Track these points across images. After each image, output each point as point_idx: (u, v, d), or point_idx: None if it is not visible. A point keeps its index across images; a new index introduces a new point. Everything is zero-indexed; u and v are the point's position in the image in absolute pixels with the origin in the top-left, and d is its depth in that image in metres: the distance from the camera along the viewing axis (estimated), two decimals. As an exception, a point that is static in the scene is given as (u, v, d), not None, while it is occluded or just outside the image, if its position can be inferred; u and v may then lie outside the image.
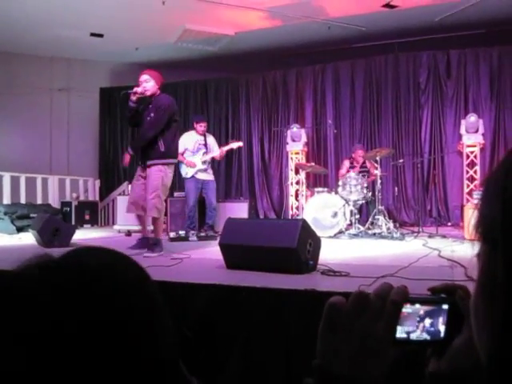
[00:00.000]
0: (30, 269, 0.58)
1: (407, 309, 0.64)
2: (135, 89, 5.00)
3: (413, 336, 0.64)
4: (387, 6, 8.54)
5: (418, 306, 0.65)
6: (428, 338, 0.65)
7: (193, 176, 7.30)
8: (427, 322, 0.65)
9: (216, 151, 7.45)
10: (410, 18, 8.96)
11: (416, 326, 0.64)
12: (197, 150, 7.36)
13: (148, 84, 5.04)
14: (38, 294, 0.54)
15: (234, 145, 7.61)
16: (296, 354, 2.61)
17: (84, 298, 0.54)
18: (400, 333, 0.64)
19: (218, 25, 9.49)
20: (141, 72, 5.25)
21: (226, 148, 7.54)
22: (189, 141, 7.43)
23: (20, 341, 0.51)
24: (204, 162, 7.33)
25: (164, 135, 4.97)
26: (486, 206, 0.48)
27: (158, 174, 4.87)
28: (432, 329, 0.65)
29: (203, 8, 8.61)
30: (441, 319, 0.65)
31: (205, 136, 7.49)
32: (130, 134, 11.46)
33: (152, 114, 4.96)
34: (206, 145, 7.42)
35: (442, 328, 0.65)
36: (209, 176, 7.41)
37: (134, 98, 5.01)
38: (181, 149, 7.35)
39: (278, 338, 2.70)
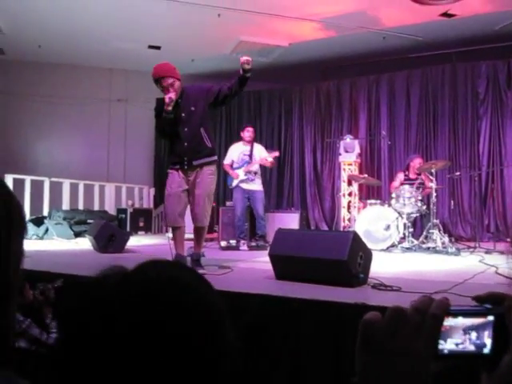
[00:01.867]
0: (108, 279, 0.61)
1: (449, 322, 0.61)
2: (169, 95, 4.44)
3: (456, 350, 0.62)
4: (445, 14, 8.36)
5: (460, 318, 0.62)
6: (473, 350, 0.62)
7: (238, 186, 7.35)
8: (472, 335, 0.62)
9: (258, 161, 7.40)
10: (468, 26, 8.73)
11: (459, 339, 0.62)
12: (241, 162, 7.39)
13: (175, 84, 4.56)
14: (113, 303, 0.57)
15: (271, 155, 7.53)
16: (344, 368, 2.57)
17: (151, 309, 0.56)
18: (442, 347, 0.61)
19: (272, 36, 9.55)
20: (155, 72, 4.78)
21: (262, 159, 7.42)
22: (235, 153, 7.50)
23: (97, 342, 0.54)
24: (247, 173, 7.33)
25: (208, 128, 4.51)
26: None
27: (212, 177, 4.44)
28: (478, 341, 0.62)
29: (258, 20, 8.70)
30: (487, 332, 0.62)
31: (252, 146, 7.49)
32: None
33: (192, 108, 4.45)
34: (250, 155, 7.42)
35: (488, 341, 0.62)
36: (255, 186, 7.39)
37: (170, 109, 4.43)
38: (228, 161, 7.48)
39: (326, 352, 2.67)
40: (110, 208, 10.19)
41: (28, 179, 8.92)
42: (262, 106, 11.03)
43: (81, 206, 9.63)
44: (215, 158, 4.56)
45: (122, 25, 9.03)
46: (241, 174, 7.33)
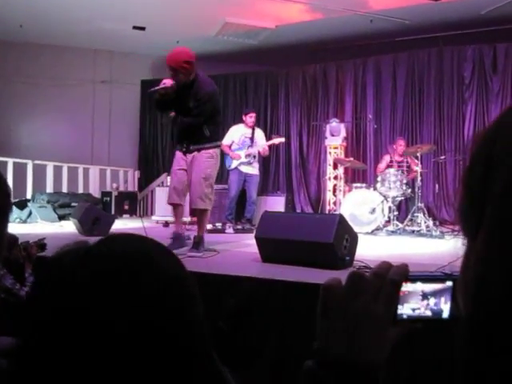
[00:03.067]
0: (67, 255, 0.59)
1: (408, 287, 0.62)
2: (164, 81, 4.64)
3: (413, 314, 0.62)
4: (432, -2, 8.34)
5: (419, 284, 0.62)
6: (430, 315, 0.63)
7: (236, 168, 7.33)
8: (430, 300, 0.63)
9: (260, 146, 7.43)
10: (455, 10, 8.72)
11: (416, 304, 0.62)
12: (242, 144, 7.39)
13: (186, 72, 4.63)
14: (73, 279, 0.55)
15: (276, 140, 7.61)
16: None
17: (117, 284, 0.55)
18: (400, 312, 0.62)
19: (259, 18, 9.46)
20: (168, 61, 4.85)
21: (268, 143, 7.54)
22: (236, 134, 7.48)
23: (56, 320, 0.53)
24: (248, 156, 7.33)
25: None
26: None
27: (209, 160, 4.48)
28: (435, 307, 0.63)
29: (244, 1, 8.61)
30: (443, 298, 0.63)
31: (253, 130, 7.50)
32: (169, 126, 11.59)
33: (199, 98, 4.55)
34: (252, 139, 7.43)
35: (445, 307, 0.63)
36: (253, 170, 7.41)
37: (162, 91, 4.60)
38: (228, 141, 7.44)
39: (312, 333, 2.68)
40: (95, 191, 10.11)
41: (11, 161, 8.79)
42: (248, 89, 10.96)
43: (65, 189, 9.53)
44: (216, 143, 4.63)
45: (106, 5, 8.87)
46: (242, 155, 7.32)
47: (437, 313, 0.63)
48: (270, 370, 2.67)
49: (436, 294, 0.63)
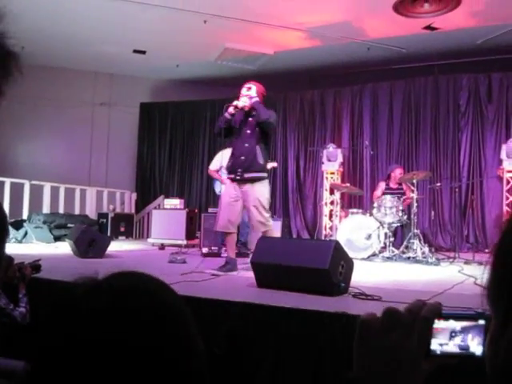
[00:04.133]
0: (80, 287, 0.61)
1: (441, 324, 0.66)
2: (235, 102, 4.95)
3: (444, 350, 0.66)
4: (428, 28, 8.49)
5: (452, 321, 0.66)
6: (457, 351, 0.66)
7: None
8: (456, 337, 0.66)
9: None
10: (451, 40, 8.88)
11: (444, 340, 0.66)
12: None
13: (251, 91, 5.06)
14: (85, 310, 0.57)
15: (269, 165, 7.57)
16: (324, 376, 2.58)
17: (117, 320, 0.57)
18: (435, 348, 0.65)
19: (258, 44, 9.60)
20: (244, 82, 5.29)
21: None
22: (226, 159, 7.49)
23: (67, 347, 0.54)
24: None
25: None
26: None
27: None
28: (462, 343, 0.66)
29: (243, 27, 8.74)
30: (470, 335, 0.66)
31: None
32: (167, 149, 11.66)
33: (257, 129, 4.88)
34: None
35: (471, 343, 0.66)
36: None
37: (232, 110, 4.91)
38: (217, 166, 7.44)
39: (307, 359, 2.67)
40: (91, 212, 10.10)
41: (8, 181, 8.79)
42: (247, 113, 11.03)
43: (61, 210, 9.52)
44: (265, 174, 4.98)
45: (107, 28, 8.99)
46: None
47: (463, 348, 0.66)
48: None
49: (463, 331, 0.66)
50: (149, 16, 8.36)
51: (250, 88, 5.07)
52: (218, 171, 7.41)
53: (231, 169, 4.99)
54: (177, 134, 11.67)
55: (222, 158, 7.46)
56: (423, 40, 8.93)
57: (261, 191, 4.85)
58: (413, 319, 0.65)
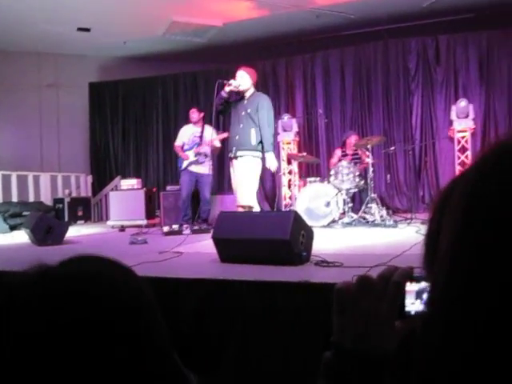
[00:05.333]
0: (27, 276, 0.60)
1: (413, 287, 0.71)
2: (231, 80, 5.42)
3: (413, 310, 0.71)
4: (375, -8, 8.52)
5: (424, 283, 0.71)
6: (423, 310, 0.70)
7: (186, 168, 7.30)
8: (424, 296, 0.71)
9: (207, 142, 7.41)
10: (398, 4, 8.94)
11: (415, 300, 0.71)
12: (192, 143, 7.38)
13: (243, 80, 5.46)
14: (31, 301, 0.56)
15: (220, 136, 7.52)
16: (292, 344, 2.63)
17: (70, 307, 0.56)
18: (409, 309, 0.71)
19: (206, 16, 9.43)
20: (237, 68, 5.71)
21: (212, 140, 7.43)
22: (186, 134, 7.47)
23: (16, 341, 0.54)
24: (198, 155, 7.31)
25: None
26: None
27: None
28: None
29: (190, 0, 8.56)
30: None
31: (202, 128, 7.48)
32: (120, 128, 11.43)
33: (249, 110, 5.37)
34: (201, 137, 7.40)
35: None
36: (203, 169, 7.34)
37: (227, 89, 5.40)
38: (179, 142, 7.45)
39: (274, 330, 2.71)
40: (46, 198, 9.85)
41: (-45, 172, 8.48)
42: (199, 87, 10.91)
43: (15, 198, 9.24)
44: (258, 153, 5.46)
45: (48, 6, 8.63)
46: (191, 155, 7.29)
47: None
48: (233, 372, 2.69)
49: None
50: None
51: (242, 77, 5.50)
52: (182, 147, 7.42)
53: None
54: (129, 112, 11.44)
55: (183, 135, 7.46)
56: (371, 5, 8.96)
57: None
58: (385, 284, 0.70)
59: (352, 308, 0.70)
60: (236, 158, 5.46)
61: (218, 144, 7.42)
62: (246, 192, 5.41)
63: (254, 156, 5.43)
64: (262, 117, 5.39)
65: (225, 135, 7.45)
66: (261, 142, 5.41)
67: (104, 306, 0.58)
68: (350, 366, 0.68)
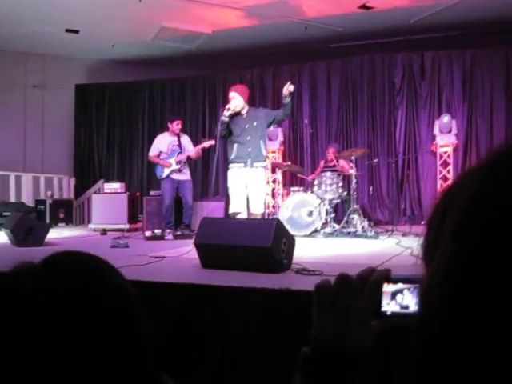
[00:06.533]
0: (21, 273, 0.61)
1: (390, 288, 0.73)
2: (227, 105, 5.66)
3: (389, 310, 0.73)
4: (363, 7, 8.64)
5: (400, 284, 0.73)
6: (399, 311, 0.73)
7: (168, 176, 7.31)
8: (398, 297, 0.73)
9: (191, 151, 7.43)
10: (385, 19, 9.08)
11: (390, 300, 0.73)
12: (171, 153, 7.37)
13: (237, 100, 5.68)
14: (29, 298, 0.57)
15: (207, 143, 7.52)
16: (271, 351, 2.64)
17: (68, 299, 0.58)
18: (385, 309, 0.73)
19: (196, 23, 9.47)
20: (228, 88, 5.99)
21: (199, 147, 7.46)
22: (163, 143, 7.44)
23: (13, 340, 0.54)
24: (178, 163, 7.33)
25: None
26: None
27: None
28: (402, 303, 0.73)
29: (180, 6, 8.59)
30: (411, 295, 0.73)
31: (179, 136, 7.47)
32: (105, 132, 11.38)
33: (255, 123, 5.68)
34: (180, 145, 7.42)
35: (411, 302, 0.73)
36: (184, 176, 7.41)
37: (226, 113, 5.60)
38: (155, 151, 7.44)
39: (253, 336, 2.73)
40: (28, 199, 9.75)
41: None
42: (186, 94, 10.92)
43: (-5, 198, 9.16)
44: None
45: (37, 6, 8.60)
46: (173, 163, 7.30)
47: (404, 307, 0.73)
48: (212, 377, 2.70)
49: (405, 291, 0.73)
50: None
51: (235, 97, 5.69)
52: (158, 156, 7.41)
53: None
54: (115, 115, 11.40)
55: (160, 143, 7.44)
56: (359, 19, 9.08)
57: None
58: (363, 283, 0.72)
59: (331, 305, 0.72)
60: (252, 167, 5.70)
61: (206, 145, 7.43)
62: (261, 201, 5.81)
63: (265, 166, 5.90)
64: (274, 113, 5.94)
65: (211, 142, 7.45)
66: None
67: (95, 296, 0.59)
68: (327, 361, 0.70)
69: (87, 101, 11.50)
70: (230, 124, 5.70)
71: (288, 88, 5.54)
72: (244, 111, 5.76)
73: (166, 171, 7.30)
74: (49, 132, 11.35)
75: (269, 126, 6.11)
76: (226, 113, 5.62)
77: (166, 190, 7.33)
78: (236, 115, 5.73)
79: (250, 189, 5.71)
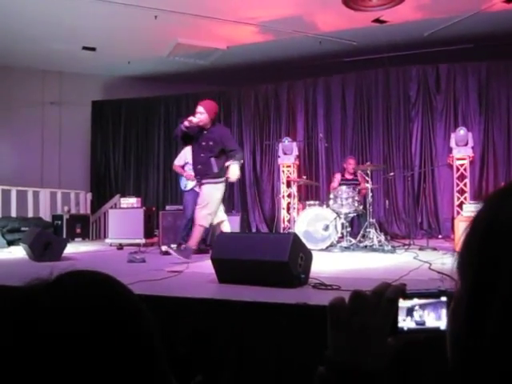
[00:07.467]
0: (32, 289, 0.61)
1: (405, 303, 0.72)
2: (190, 118, 5.69)
3: (405, 326, 0.72)
4: (377, 21, 8.66)
5: (416, 300, 0.72)
6: (415, 327, 0.72)
7: (192, 189, 7.30)
8: (415, 313, 0.72)
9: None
10: (399, 32, 9.08)
11: (406, 317, 0.72)
12: None
13: (202, 116, 5.70)
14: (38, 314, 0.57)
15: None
16: (287, 366, 2.62)
17: (66, 318, 0.57)
18: (402, 325, 0.72)
19: (210, 39, 9.56)
20: (198, 102, 5.94)
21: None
22: (190, 154, 7.46)
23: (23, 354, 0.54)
24: None
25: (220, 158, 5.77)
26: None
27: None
28: (419, 319, 0.72)
29: (195, 22, 8.68)
30: (426, 311, 0.72)
31: None
32: (121, 147, 11.49)
33: (211, 143, 5.69)
34: None
35: (428, 319, 0.72)
36: None
37: (187, 124, 5.66)
38: (181, 161, 7.42)
39: (270, 352, 2.71)
40: (45, 215, 9.85)
41: (-45, 186, 8.49)
42: (201, 109, 10.98)
43: (14, 214, 9.25)
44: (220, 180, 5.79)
45: (54, 24, 8.76)
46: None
47: (420, 324, 0.72)
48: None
49: (421, 308, 0.72)
50: (98, 12, 8.20)
51: (201, 113, 5.72)
52: (182, 166, 7.39)
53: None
54: (131, 131, 11.52)
55: (187, 154, 7.44)
56: (373, 33, 9.10)
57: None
58: (378, 300, 0.71)
59: (345, 323, 0.71)
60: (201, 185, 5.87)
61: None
62: (206, 213, 5.79)
63: (216, 182, 5.83)
64: (232, 145, 5.84)
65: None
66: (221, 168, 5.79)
67: (101, 322, 0.58)
68: (343, 380, 0.69)
69: (104, 117, 11.64)
70: (194, 136, 5.79)
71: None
72: (207, 127, 5.79)
73: (190, 184, 7.29)
74: (66, 148, 11.48)
75: (222, 151, 5.90)
76: (187, 123, 5.68)
77: (189, 202, 7.28)
78: (198, 130, 5.78)
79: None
